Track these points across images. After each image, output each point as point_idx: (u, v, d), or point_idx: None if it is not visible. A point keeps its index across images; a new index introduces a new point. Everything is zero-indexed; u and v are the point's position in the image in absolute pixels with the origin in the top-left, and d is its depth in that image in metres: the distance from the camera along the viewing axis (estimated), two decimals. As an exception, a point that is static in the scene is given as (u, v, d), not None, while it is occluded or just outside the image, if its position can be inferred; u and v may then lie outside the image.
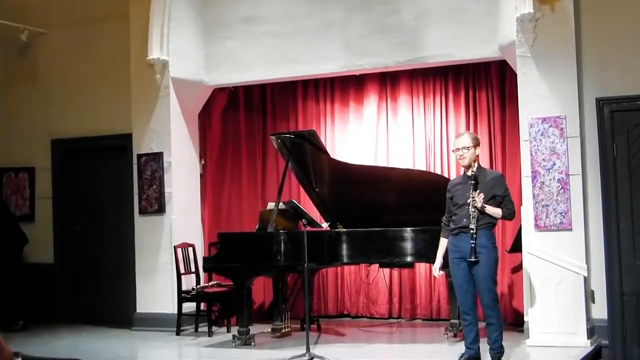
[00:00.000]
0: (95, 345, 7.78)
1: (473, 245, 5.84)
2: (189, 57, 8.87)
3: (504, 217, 6.03)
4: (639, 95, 6.94)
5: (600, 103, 7.07)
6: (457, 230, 6.02)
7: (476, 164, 6.07)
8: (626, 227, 6.97)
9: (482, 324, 6.14)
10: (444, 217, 6.24)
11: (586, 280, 6.94)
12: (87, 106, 9.53)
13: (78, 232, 9.66)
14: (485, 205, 5.87)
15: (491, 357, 5.96)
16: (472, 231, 5.85)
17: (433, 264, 7.91)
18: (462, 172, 6.23)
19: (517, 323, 7.70)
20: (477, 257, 5.84)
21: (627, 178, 6.99)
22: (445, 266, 6.29)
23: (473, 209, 5.87)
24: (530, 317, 6.98)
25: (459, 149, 6.08)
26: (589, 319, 6.94)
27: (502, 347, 5.96)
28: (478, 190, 5.88)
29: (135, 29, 8.89)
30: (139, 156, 8.84)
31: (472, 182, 5.93)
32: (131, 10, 8.96)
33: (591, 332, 6.92)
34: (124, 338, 8.03)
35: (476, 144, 6.09)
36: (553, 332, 6.85)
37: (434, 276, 6.56)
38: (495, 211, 5.93)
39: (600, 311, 7.02)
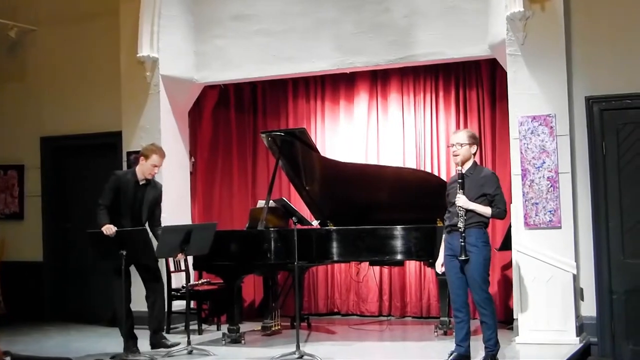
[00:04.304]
0: (85, 343, 7.75)
1: (462, 243, 5.85)
2: (180, 54, 8.85)
3: (493, 216, 6.01)
4: (628, 94, 6.98)
5: (590, 102, 7.10)
6: (449, 228, 6.03)
7: (471, 162, 6.07)
8: (615, 225, 7.00)
9: (477, 322, 6.14)
10: (445, 214, 6.24)
11: (575, 278, 6.96)
12: (76, 104, 9.52)
13: (68, 230, 9.63)
14: (471, 203, 5.89)
15: (485, 354, 5.97)
16: (460, 230, 5.87)
17: (423, 262, 8.05)
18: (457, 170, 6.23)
19: (507, 321, 7.71)
20: (467, 255, 5.85)
21: (616, 176, 7.02)
22: None
23: (460, 208, 5.89)
24: (520, 314, 7.00)
25: (453, 144, 6.08)
26: (578, 316, 6.96)
27: (496, 345, 5.95)
28: (462, 190, 5.90)
29: (125, 26, 8.86)
30: (129, 154, 8.80)
31: (460, 180, 5.95)
32: (121, 7, 8.93)
33: (580, 329, 6.95)
34: (114, 336, 7.98)
35: (472, 142, 6.06)
36: (542, 330, 6.87)
37: (437, 272, 6.52)
38: (483, 210, 5.92)
39: (589, 309, 7.06)
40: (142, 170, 7.00)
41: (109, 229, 6.61)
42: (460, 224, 5.87)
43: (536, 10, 7.09)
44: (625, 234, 6.98)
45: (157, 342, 7.01)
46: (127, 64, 8.87)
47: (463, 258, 5.85)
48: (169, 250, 6.87)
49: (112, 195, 6.88)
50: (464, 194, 5.90)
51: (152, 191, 7.07)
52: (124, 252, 6.58)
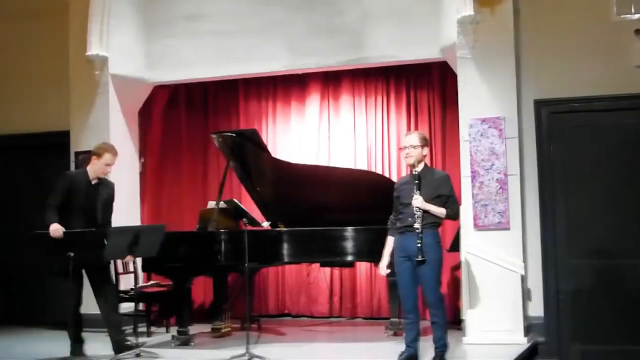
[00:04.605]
0: (29, 347, 7.60)
1: (419, 244, 5.84)
2: (130, 53, 8.76)
3: (448, 217, 6.04)
4: (576, 97, 7.11)
5: (538, 105, 7.22)
6: (403, 229, 6.01)
7: (422, 164, 6.09)
8: (562, 226, 7.13)
9: (425, 323, 6.17)
10: (391, 216, 6.25)
11: (523, 278, 7.06)
12: (23, 102, 9.33)
13: (12, 232, 9.39)
14: (428, 204, 5.91)
15: (434, 354, 6.01)
16: (417, 230, 5.87)
17: (374, 263, 8.06)
18: (408, 172, 6.22)
19: (455, 321, 7.78)
20: (424, 256, 5.85)
21: (563, 178, 7.14)
22: (390, 265, 6.28)
23: (417, 209, 5.91)
24: (469, 315, 7.07)
25: (406, 146, 6.09)
26: (526, 316, 7.05)
27: (445, 345, 6.00)
28: (419, 190, 5.92)
29: (75, 24, 8.73)
30: (77, 154, 8.67)
31: (416, 181, 5.96)
32: (71, 5, 8.80)
33: (528, 329, 7.04)
34: (60, 339, 7.84)
35: (424, 144, 6.09)
36: (491, 330, 6.95)
37: (381, 275, 6.52)
38: (438, 211, 5.95)
39: (537, 309, 7.17)
40: (94, 169, 6.76)
41: (57, 232, 6.44)
42: (418, 225, 5.87)
43: (486, 15, 7.19)
44: (572, 234, 7.10)
45: (120, 346, 6.75)
46: (76, 62, 8.74)
47: (421, 259, 5.83)
48: (118, 252, 6.71)
49: (63, 196, 6.67)
50: (420, 195, 5.93)
51: (104, 190, 6.86)
52: (72, 254, 6.40)
